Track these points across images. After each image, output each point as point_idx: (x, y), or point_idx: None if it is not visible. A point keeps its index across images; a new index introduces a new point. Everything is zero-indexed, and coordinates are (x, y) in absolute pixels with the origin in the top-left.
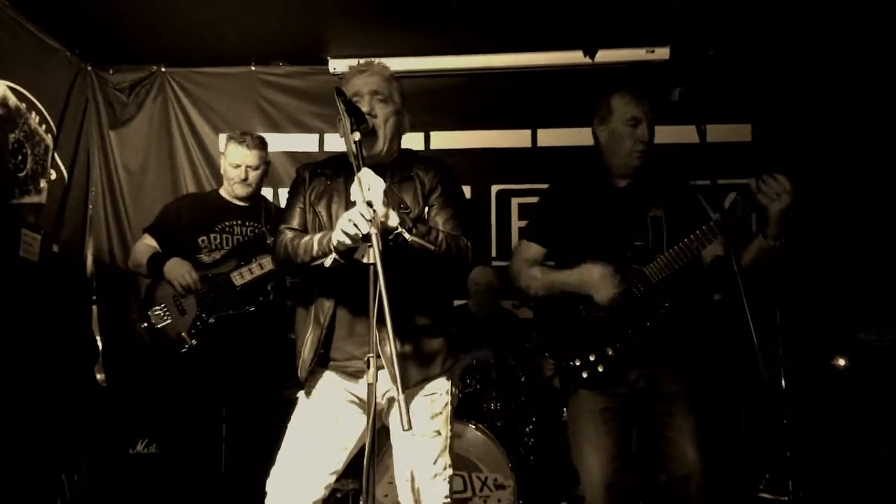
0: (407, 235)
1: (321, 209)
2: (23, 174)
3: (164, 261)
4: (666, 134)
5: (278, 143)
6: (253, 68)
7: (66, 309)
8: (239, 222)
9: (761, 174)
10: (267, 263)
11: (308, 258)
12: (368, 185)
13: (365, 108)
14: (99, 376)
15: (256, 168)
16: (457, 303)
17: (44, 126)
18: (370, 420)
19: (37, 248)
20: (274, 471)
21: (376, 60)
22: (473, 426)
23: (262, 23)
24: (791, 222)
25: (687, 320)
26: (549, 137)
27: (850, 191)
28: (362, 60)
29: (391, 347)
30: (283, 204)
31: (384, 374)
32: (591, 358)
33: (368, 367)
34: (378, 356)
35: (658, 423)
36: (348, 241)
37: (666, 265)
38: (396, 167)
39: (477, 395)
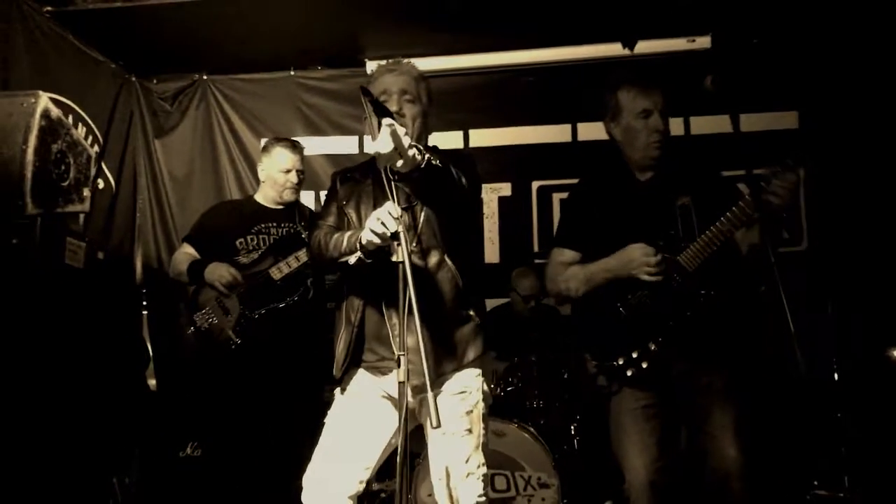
0: (435, 161)
1: (350, 211)
2: (66, 184)
3: (203, 267)
4: (707, 124)
5: (318, 146)
6: (292, 73)
7: (116, 315)
8: (275, 224)
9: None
10: (303, 256)
11: (337, 254)
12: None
13: (393, 108)
14: (150, 381)
15: (303, 171)
16: (498, 301)
17: (90, 137)
18: (401, 419)
19: (82, 256)
20: (310, 466)
21: (405, 60)
22: (516, 425)
23: (300, 28)
24: (791, 219)
25: (727, 309)
26: (590, 131)
27: None
28: (391, 60)
29: (420, 346)
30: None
31: (414, 373)
32: (634, 355)
33: (399, 365)
34: (407, 354)
35: (699, 418)
36: (377, 240)
37: (699, 251)
38: None
39: (519, 393)
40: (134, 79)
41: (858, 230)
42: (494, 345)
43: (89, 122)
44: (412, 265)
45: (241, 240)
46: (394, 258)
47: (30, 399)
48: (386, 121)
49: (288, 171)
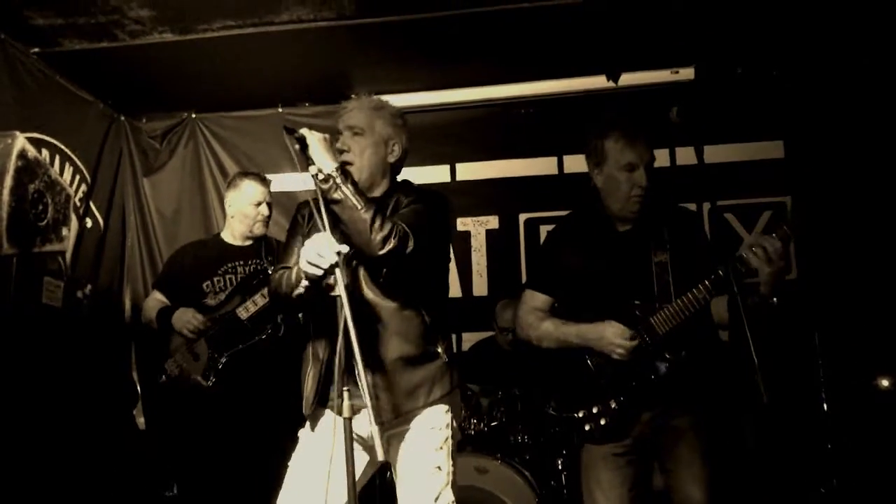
0: (338, 177)
1: None
2: (43, 223)
3: (172, 313)
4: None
5: (306, 182)
6: (280, 110)
7: (101, 353)
8: (241, 262)
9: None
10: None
11: (289, 290)
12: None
13: (338, 145)
14: (139, 420)
15: (271, 203)
16: (483, 335)
17: (78, 176)
18: (348, 455)
19: (60, 295)
20: None
21: (365, 95)
22: (499, 461)
23: (288, 66)
24: (780, 284)
25: (696, 365)
26: (576, 163)
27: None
28: (354, 97)
29: (362, 380)
30: None
31: (381, 409)
32: (595, 410)
33: (342, 400)
34: (350, 390)
35: (664, 457)
36: (313, 271)
37: (672, 316)
38: (383, 199)
39: (503, 428)
40: (123, 118)
41: (846, 259)
42: (479, 379)
43: (77, 161)
44: (381, 302)
45: (208, 282)
46: (333, 293)
47: (6, 437)
48: (311, 169)
49: (258, 205)
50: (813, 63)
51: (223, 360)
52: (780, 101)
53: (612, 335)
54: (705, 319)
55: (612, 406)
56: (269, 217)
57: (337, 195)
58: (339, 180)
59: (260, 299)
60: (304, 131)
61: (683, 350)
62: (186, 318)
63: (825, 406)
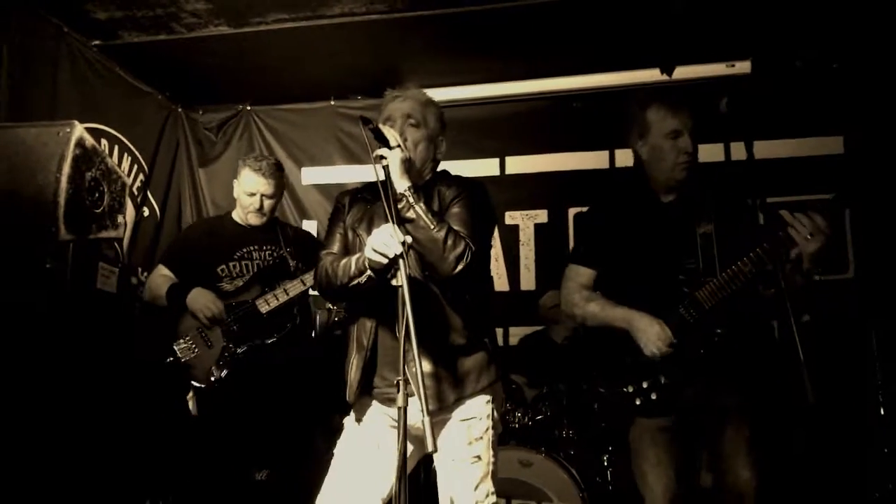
0: (410, 197)
1: (362, 231)
2: (100, 210)
3: (185, 291)
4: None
5: (357, 174)
6: (332, 103)
7: (154, 339)
8: (256, 247)
9: (804, 210)
10: (292, 289)
11: (346, 279)
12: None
13: (395, 131)
14: (191, 405)
15: (272, 197)
16: (533, 329)
17: (135, 166)
18: (400, 444)
19: (115, 281)
20: (319, 499)
21: (413, 87)
22: (543, 454)
23: (340, 59)
24: (824, 260)
25: (743, 342)
26: (628, 158)
27: None
28: (400, 87)
29: (418, 370)
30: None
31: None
32: (645, 385)
33: (398, 390)
34: (407, 381)
35: (711, 438)
36: (380, 259)
37: (718, 290)
38: (424, 189)
39: (548, 422)
40: (180, 109)
41: None
42: (526, 372)
43: (135, 151)
44: (426, 291)
45: (223, 266)
46: (394, 282)
47: (60, 420)
48: (378, 152)
49: (251, 195)
50: (876, 55)
51: (239, 352)
52: (840, 95)
53: (656, 336)
54: (755, 296)
55: (663, 381)
56: (260, 210)
57: (410, 214)
58: (411, 200)
59: (282, 295)
60: (386, 132)
61: (731, 326)
62: (204, 302)
63: (882, 410)
